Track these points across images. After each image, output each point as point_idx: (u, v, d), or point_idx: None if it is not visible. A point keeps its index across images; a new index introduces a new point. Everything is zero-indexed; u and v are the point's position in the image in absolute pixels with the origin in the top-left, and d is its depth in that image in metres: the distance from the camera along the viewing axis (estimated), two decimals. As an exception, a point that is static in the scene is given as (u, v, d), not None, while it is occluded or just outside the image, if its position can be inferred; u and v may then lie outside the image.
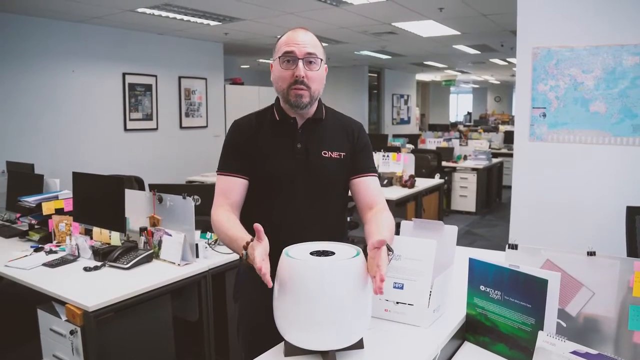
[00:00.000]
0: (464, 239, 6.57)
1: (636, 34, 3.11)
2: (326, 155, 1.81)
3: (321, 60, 1.76)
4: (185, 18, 6.57)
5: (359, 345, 1.47)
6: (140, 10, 6.04)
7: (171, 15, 6.36)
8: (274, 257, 1.44)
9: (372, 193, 1.86)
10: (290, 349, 1.45)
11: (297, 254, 1.42)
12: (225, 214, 1.75)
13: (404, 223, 1.91)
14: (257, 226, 1.43)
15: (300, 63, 1.71)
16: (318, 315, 1.35)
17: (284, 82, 1.74)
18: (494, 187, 9.07)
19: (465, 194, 8.30)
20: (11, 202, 3.72)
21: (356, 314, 1.39)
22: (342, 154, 1.83)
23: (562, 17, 3.36)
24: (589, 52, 3.25)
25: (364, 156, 1.89)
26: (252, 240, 1.49)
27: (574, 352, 1.29)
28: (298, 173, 1.78)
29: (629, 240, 2.30)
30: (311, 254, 1.43)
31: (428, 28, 7.51)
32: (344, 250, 1.46)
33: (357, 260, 1.39)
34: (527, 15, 3.51)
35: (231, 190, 1.80)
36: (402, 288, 1.67)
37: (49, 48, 6.45)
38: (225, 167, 1.83)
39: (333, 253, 1.43)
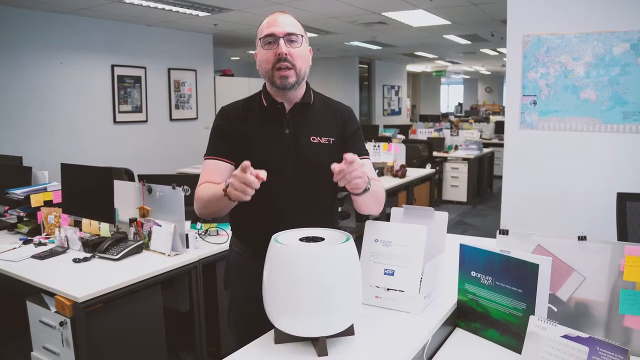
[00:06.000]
0: (455, 229, 6.57)
1: (626, 21, 3.11)
2: (315, 141, 1.78)
3: (302, 37, 1.75)
4: (174, 8, 6.50)
5: (350, 331, 1.46)
6: (128, 0, 5.98)
7: (160, 5, 6.29)
8: (264, 244, 1.43)
9: None
10: (281, 336, 1.44)
11: (286, 240, 1.41)
12: (205, 184, 1.76)
13: (394, 210, 1.90)
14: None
15: (282, 41, 1.70)
16: (308, 302, 1.34)
17: (267, 64, 1.73)
18: (485, 177, 9.10)
19: (456, 184, 8.31)
20: (-1, 194, 3.68)
21: (346, 300, 1.38)
22: (332, 139, 1.80)
23: (552, 5, 3.35)
24: (579, 39, 3.24)
25: (355, 141, 1.86)
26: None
27: (566, 336, 1.28)
28: (287, 159, 1.76)
29: (619, 226, 2.32)
30: (300, 240, 1.42)
31: (418, 18, 7.48)
32: (333, 236, 1.44)
33: (347, 246, 1.38)
34: (517, 3, 3.50)
35: (217, 173, 1.79)
36: (392, 274, 1.66)
37: (36, 40, 6.35)
38: (212, 151, 1.83)
39: (322, 239, 1.42)
